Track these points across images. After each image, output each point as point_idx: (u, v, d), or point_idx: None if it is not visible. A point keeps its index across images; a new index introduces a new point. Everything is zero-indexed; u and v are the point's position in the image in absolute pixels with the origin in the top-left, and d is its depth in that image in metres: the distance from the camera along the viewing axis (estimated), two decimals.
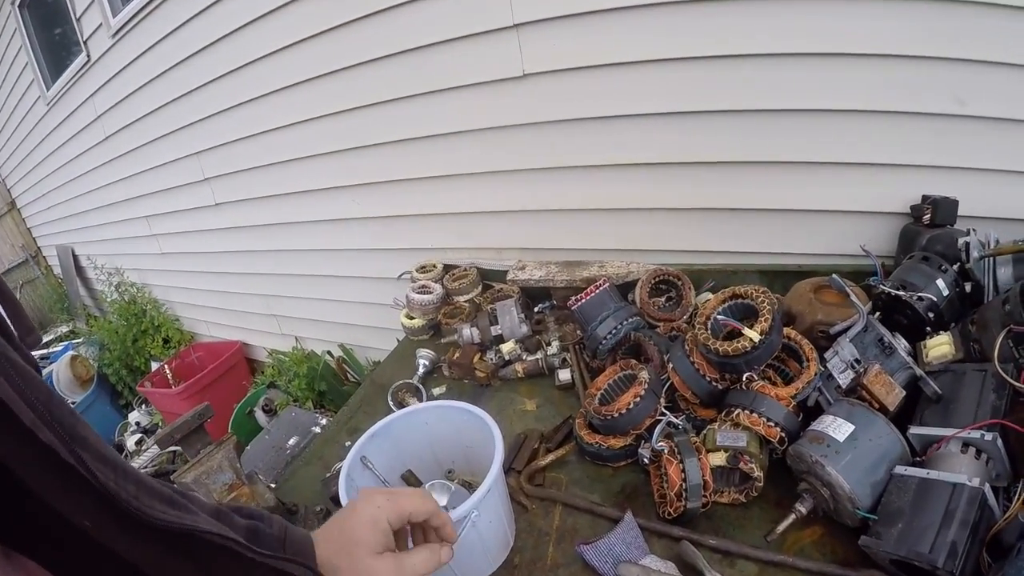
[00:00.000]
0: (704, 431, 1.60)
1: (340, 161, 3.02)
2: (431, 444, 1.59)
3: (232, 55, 3.11)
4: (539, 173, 2.49)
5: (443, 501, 1.42)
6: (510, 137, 2.46)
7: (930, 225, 1.98)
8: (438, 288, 2.54)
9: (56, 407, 0.62)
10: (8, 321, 0.67)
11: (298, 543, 0.86)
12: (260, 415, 3.86)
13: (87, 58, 4.19)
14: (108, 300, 5.61)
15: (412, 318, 2.52)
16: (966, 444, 1.32)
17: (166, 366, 4.97)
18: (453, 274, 2.61)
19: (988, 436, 1.29)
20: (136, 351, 5.55)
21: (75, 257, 6.56)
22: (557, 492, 1.64)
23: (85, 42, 4.14)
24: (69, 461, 0.59)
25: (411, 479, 1.60)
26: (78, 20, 4.10)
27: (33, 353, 0.70)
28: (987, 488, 1.22)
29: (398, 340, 2.67)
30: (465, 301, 2.52)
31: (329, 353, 4.01)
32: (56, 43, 4.80)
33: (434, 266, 2.71)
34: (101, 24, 3.82)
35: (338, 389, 3.79)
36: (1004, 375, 1.34)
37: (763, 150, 2.19)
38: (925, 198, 2.04)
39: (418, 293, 2.50)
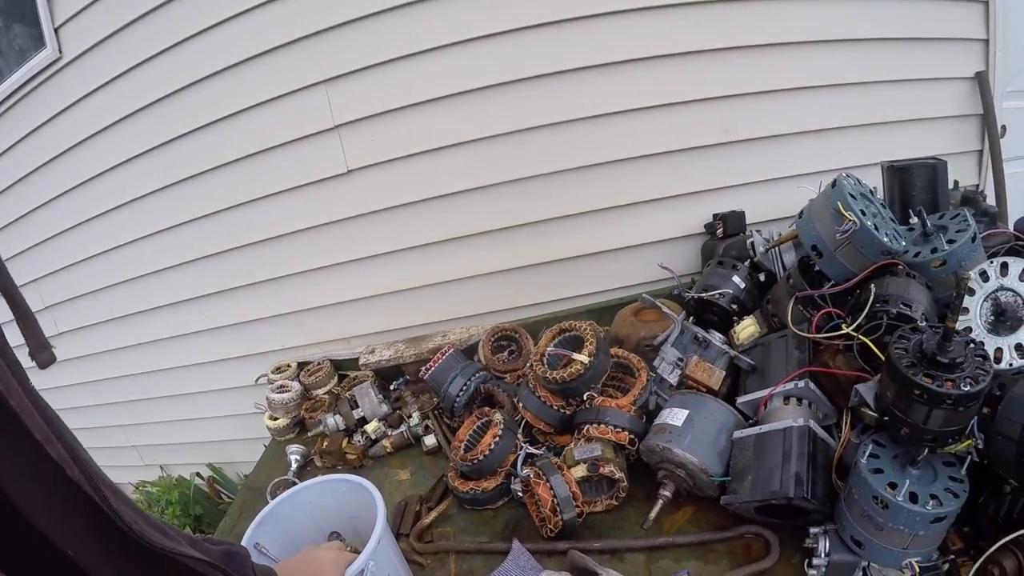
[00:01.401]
0: (563, 452, 1.70)
1: (185, 273, 2.92)
2: (316, 522, 1.58)
3: (70, 172, 2.93)
4: (374, 260, 2.57)
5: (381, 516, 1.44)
6: (342, 230, 2.54)
7: (724, 237, 2.25)
8: (296, 385, 2.53)
9: (64, 428, 0.63)
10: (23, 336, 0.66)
11: (264, 571, 0.94)
12: None
13: None
14: None
15: (276, 419, 2.49)
16: (786, 396, 1.52)
17: None
18: (308, 370, 2.61)
19: (800, 384, 1.49)
20: None
21: None
22: (447, 543, 1.67)
23: None
24: (77, 479, 0.59)
25: None
26: None
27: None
28: (811, 423, 1.41)
29: (265, 446, 2.61)
30: (324, 393, 2.52)
31: (199, 475, 3.79)
32: None
33: (288, 366, 2.70)
34: None
35: (214, 510, 3.63)
36: (800, 332, 1.55)
37: (570, 204, 2.41)
38: (715, 215, 2.33)
39: (277, 393, 2.48)
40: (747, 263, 1.94)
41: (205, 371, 3.15)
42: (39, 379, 0.65)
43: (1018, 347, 1.33)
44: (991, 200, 2.53)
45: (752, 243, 2.00)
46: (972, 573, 1.22)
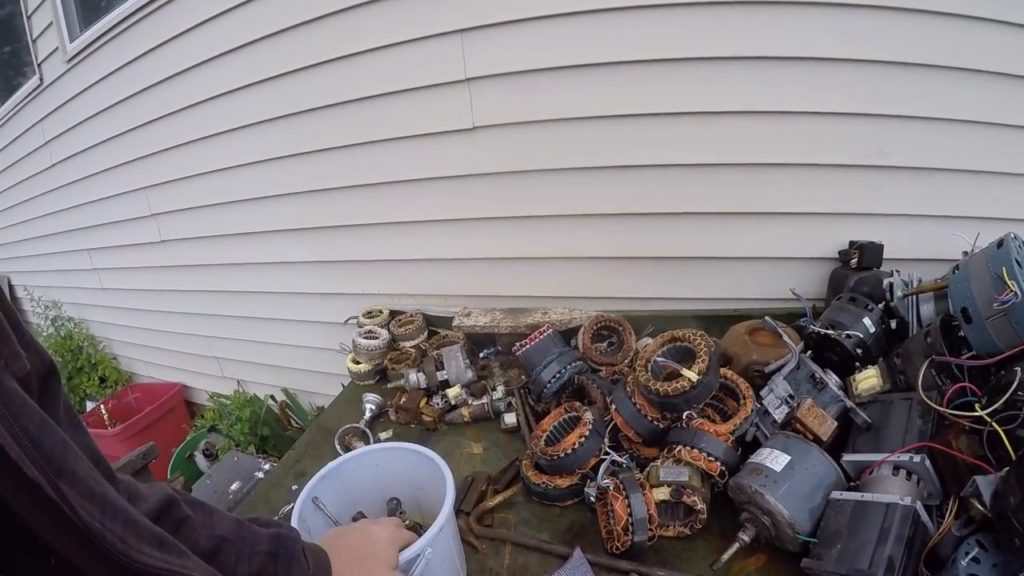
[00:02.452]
0: (647, 468, 1.62)
1: (291, 204, 2.98)
2: (381, 486, 1.56)
3: (185, 93, 3.06)
4: (486, 223, 2.53)
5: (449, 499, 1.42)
6: (459, 187, 2.50)
7: (857, 268, 2.08)
8: (384, 333, 2.53)
9: (48, 436, 0.60)
10: None
11: (314, 552, 0.95)
12: (200, 459, 3.73)
13: (40, 81, 4.01)
14: (43, 335, 5.30)
15: (358, 363, 2.49)
16: (897, 467, 1.37)
17: (102, 406, 4.69)
18: (399, 320, 2.61)
19: (917, 458, 1.34)
20: (71, 389, 5.23)
21: (11, 287, 6.20)
22: (506, 532, 1.64)
23: (39, 65, 3.97)
24: (53, 498, 0.57)
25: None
26: (33, 41, 3.94)
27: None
28: (919, 505, 1.27)
29: (343, 385, 2.63)
30: (411, 347, 2.51)
31: (272, 398, 3.89)
32: (5, 63, 4.57)
33: (380, 312, 2.69)
34: (57, 48, 3.68)
35: (281, 434, 3.69)
36: (928, 401, 1.40)
37: (697, 201, 2.28)
38: (852, 243, 2.14)
39: (365, 338, 2.49)
40: (881, 305, 1.79)
41: (297, 300, 3.22)
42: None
43: None
44: None
45: (891, 284, 1.83)
46: None
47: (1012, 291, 1.34)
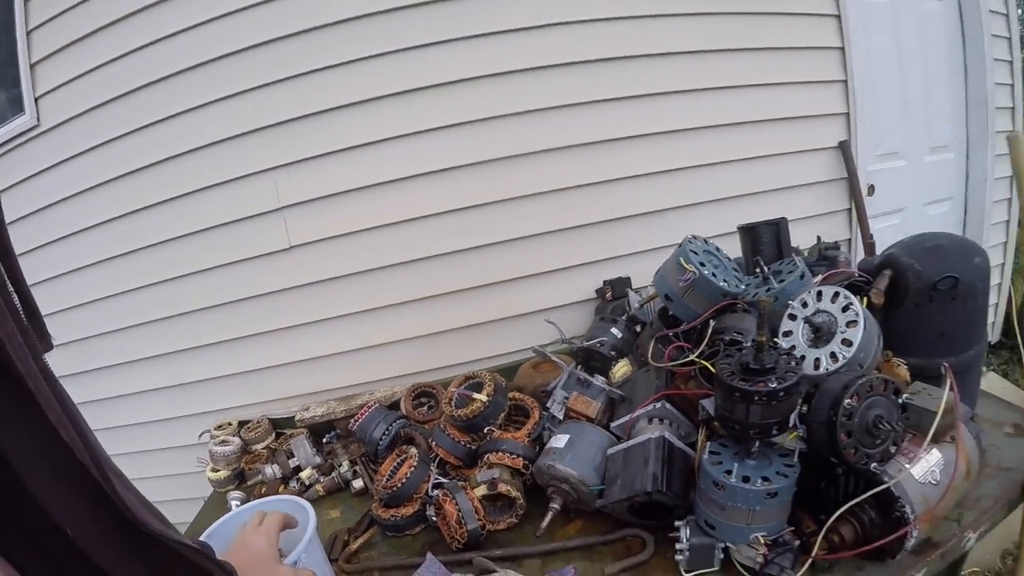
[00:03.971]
0: (468, 479, 1.92)
1: (142, 333, 3.06)
2: None
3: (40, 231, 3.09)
4: (312, 326, 2.81)
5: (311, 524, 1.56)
6: (283, 299, 2.78)
7: (612, 299, 2.58)
8: (236, 440, 2.67)
9: (76, 412, 0.63)
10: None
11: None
12: None
13: None
14: None
15: (217, 471, 2.61)
16: (650, 418, 1.77)
17: None
18: (248, 427, 2.74)
19: (658, 405, 1.75)
20: None
21: None
22: (371, 563, 1.85)
23: None
24: (85, 462, 0.58)
25: None
26: None
27: None
28: (667, 434, 1.66)
29: (205, 501, 2.68)
30: (262, 448, 2.67)
31: None
32: None
33: (229, 423, 2.83)
34: None
35: None
36: (656, 364, 1.84)
37: (482, 275, 2.77)
38: (605, 282, 2.67)
39: (220, 446, 2.62)
40: (624, 316, 2.23)
41: (150, 430, 3.26)
42: None
43: (832, 355, 1.60)
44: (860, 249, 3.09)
45: (628, 301, 2.34)
46: (819, 541, 1.44)
47: (691, 271, 1.83)
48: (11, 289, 0.58)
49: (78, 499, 0.60)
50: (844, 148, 3.23)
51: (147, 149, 2.74)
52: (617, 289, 2.65)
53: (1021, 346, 4.62)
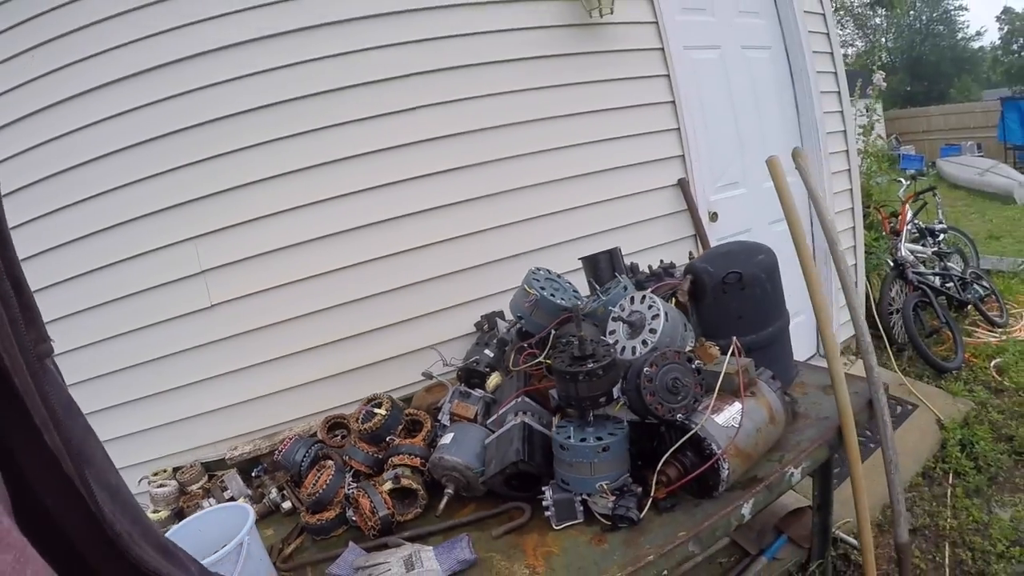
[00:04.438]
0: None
1: (74, 392, 3.18)
2: (206, 543, 1.94)
3: None
4: (232, 375, 3.14)
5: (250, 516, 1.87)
6: (205, 354, 3.09)
7: (488, 330, 3.03)
8: (173, 483, 2.89)
9: (71, 418, 0.62)
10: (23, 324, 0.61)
11: None
12: None
13: None
14: None
15: (158, 511, 2.81)
16: (515, 412, 2.19)
17: None
18: (182, 471, 2.96)
19: (519, 400, 2.20)
20: None
21: None
22: (303, 559, 2.17)
23: None
24: (69, 473, 0.57)
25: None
26: None
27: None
28: (526, 420, 2.10)
29: None
30: (198, 488, 2.89)
31: None
32: None
33: (164, 470, 3.02)
34: None
35: None
36: (513, 369, 2.32)
37: (378, 320, 3.18)
38: (483, 316, 3.13)
39: (159, 488, 2.85)
40: (495, 340, 2.69)
41: None
42: None
43: (643, 342, 2.07)
44: None
45: (498, 327, 2.83)
46: (654, 480, 1.85)
47: (533, 294, 2.33)
48: (7, 286, 0.57)
49: (68, 509, 0.59)
50: (683, 185, 3.82)
51: (80, 222, 3.06)
52: (492, 322, 3.10)
53: (883, 334, 5.32)
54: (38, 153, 3.01)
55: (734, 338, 2.08)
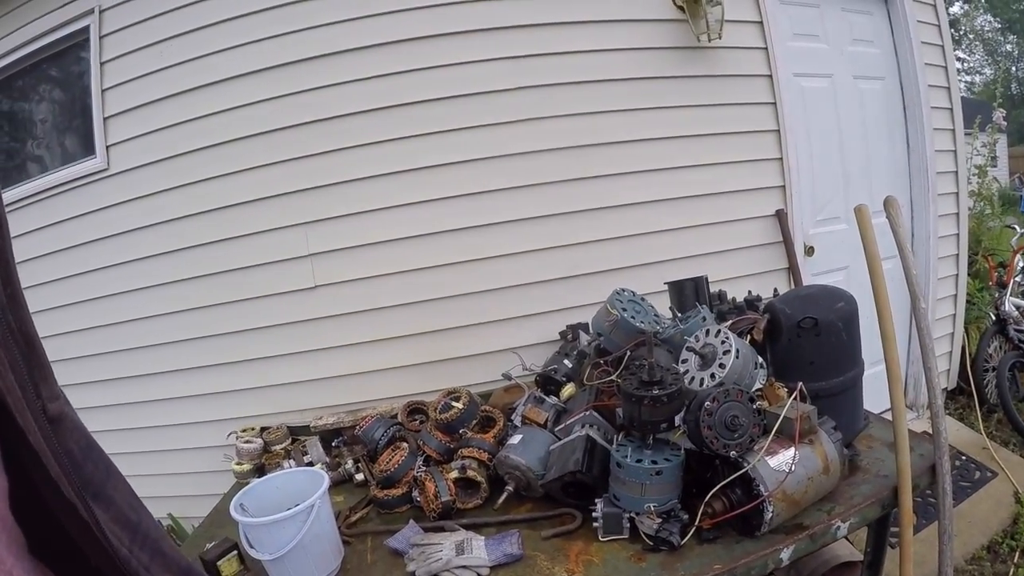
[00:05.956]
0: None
1: (180, 349, 3.60)
2: (282, 497, 2.17)
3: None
4: (328, 351, 3.41)
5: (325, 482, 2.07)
6: (305, 328, 3.39)
7: (571, 340, 3.15)
8: (259, 440, 3.17)
9: (92, 461, 0.66)
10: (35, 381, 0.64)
11: None
12: None
13: None
14: None
15: (241, 464, 3.10)
16: (582, 424, 2.32)
17: None
18: (268, 431, 3.24)
19: (586, 413, 2.32)
20: None
21: None
22: (366, 527, 2.38)
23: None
24: (85, 519, 0.60)
25: None
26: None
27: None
28: (590, 434, 2.21)
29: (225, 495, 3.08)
30: (280, 449, 3.17)
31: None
32: None
33: (252, 428, 3.33)
34: None
35: None
36: (587, 383, 2.44)
37: (468, 318, 3.40)
38: (568, 326, 3.27)
39: (245, 443, 3.13)
40: (575, 351, 2.81)
41: (178, 432, 3.76)
42: None
43: (712, 376, 2.15)
44: None
45: (580, 338, 2.98)
46: (700, 511, 1.93)
47: (614, 314, 2.47)
48: (17, 340, 0.58)
49: (90, 551, 0.62)
50: (780, 216, 3.83)
51: (202, 199, 3.40)
52: (575, 333, 3.22)
53: (974, 392, 5.14)
54: (187, 128, 3.41)
55: (800, 384, 2.12)
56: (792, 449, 1.96)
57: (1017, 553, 3.59)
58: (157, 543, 0.71)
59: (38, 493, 0.58)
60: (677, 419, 2.06)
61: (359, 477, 2.77)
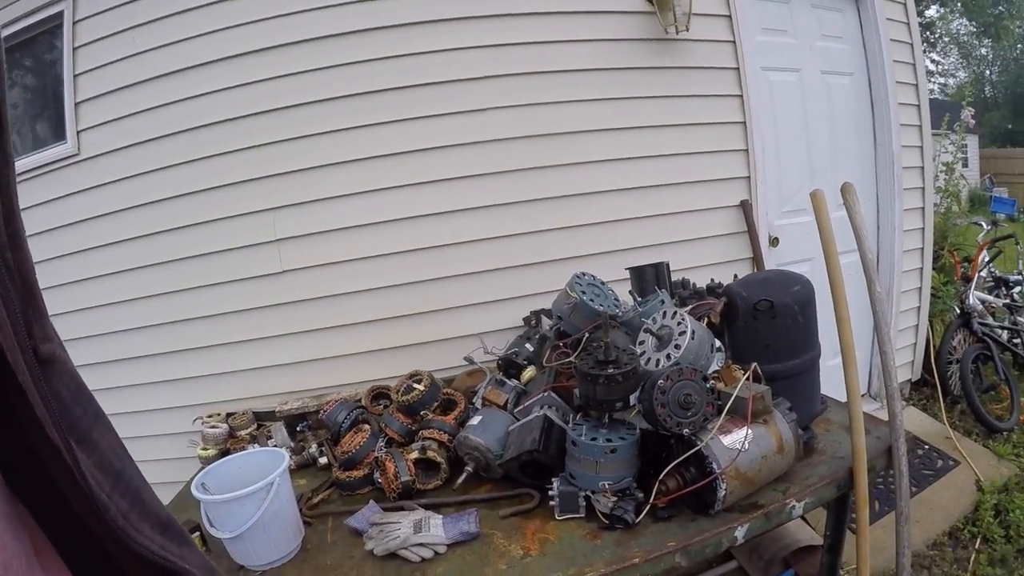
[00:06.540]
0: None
1: (149, 335, 3.59)
2: (243, 477, 2.14)
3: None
4: (292, 336, 3.42)
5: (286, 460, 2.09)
6: (271, 314, 3.40)
7: (535, 326, 3.20)
8: (224, 426, 3.18)
9: (80, 405, 0.64)
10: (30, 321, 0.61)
11: None
12: None
13: None
14: None
15: (207, 449, 3.10)
16: (541, 405, 2.34)
17: None
18: (234, 417, 3.25)
19: (544, 395, 2.35)
20: None
21: None
22: (327, 509, 2.40)
23: None
24: (68, 463, 0.59)
25: None
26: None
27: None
28: (547, 414, 2.24)
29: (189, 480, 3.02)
30: (246, 434, 3.18)
31: None
32: None
33: (218, 414, 3.32)
34: None
35: None
36: (546, 365, 2.48)
37: (430, 304, 3.43)
38: (532, 312, 3.28)
39: (211, 428, 3.14)
40: (537, 335, 2.85)
41: (145, 418, 3.74)
42: None
43: (667, 356, 2.19)
44: None
45: (542, 323, 3.02)
46: (655, 489, 1.96)
47: (573, 297, 2.51)
48: (13, 279, 0.58)
49: (73, 496, 0.61)
50: (745, 207, 3.88)
51: (171, 185, 3.39)
52: (539, 319, 3.26)
53: (938, 384, 5.25)
54: (157, 113, 3.41)
55: (754, 364, 2.16)
56: (744, 428, 1.99)
57: (978, 539, 3.68)
58: (138, 492, 0.69)
59: (24, 434, 0.57)
60: (632, 398, 2.09)
61: (323, 461, 2.79)
